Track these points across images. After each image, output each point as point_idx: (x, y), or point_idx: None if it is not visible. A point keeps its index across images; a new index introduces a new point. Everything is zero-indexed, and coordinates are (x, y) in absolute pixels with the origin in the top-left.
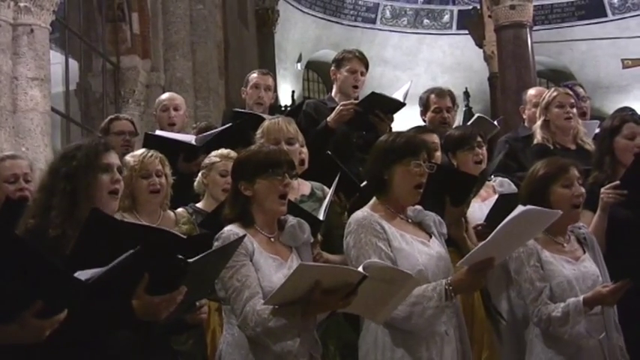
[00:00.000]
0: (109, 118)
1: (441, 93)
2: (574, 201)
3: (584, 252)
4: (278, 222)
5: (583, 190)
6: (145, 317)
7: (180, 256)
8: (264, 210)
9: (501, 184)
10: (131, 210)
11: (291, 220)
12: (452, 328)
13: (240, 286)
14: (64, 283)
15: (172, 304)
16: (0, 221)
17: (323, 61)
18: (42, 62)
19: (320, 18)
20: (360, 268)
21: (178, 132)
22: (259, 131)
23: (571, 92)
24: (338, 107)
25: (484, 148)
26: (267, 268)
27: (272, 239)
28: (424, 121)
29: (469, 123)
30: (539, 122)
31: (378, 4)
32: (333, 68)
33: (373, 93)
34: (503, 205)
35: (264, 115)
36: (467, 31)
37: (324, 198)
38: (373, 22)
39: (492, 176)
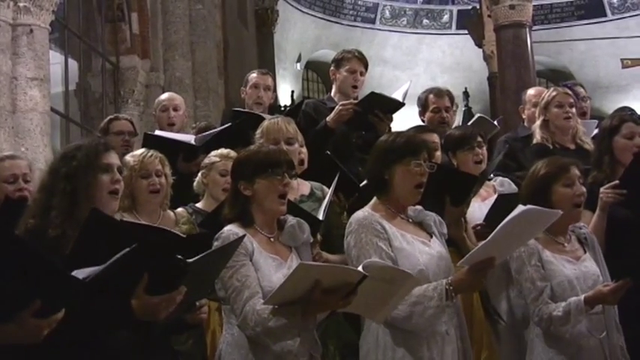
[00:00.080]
0: (108, 118)
1: (439, 93)
2: (575, 200)
3: (585, 252)
4: (278, 222)
5: (584, 189)
6: (145, 317)
7: (179, 256)
8: (263, 210)
9: (502, 184)
10: (131, 210)
11: (291, 220)
12: (452, 328)
13: (240, 285)
14: (62, 282)
15: (172, 304)
16: None
17: (322, 61)
18: (41, 62)
19: (319, 18)
20: (360, 268)
21: (178, 132)
22: (259, 131)
23: (570, 92)
24: (337, 107)
25: (484, 148)
26: (266, 267)
27: (272, 239)
28: (423, 121)
29: (470, 123)
30: (538, 122)
31: (378, 4)
32: (332, 68)
33: (372, 93)
34: (503, 205)
35: (264, 115)
36: (466, 31)
37: (324, 198)
38: (373, 22)
39: (493, 176)
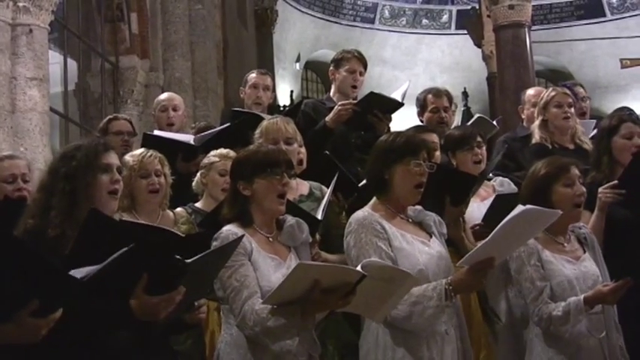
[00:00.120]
0: (107, 118)
1: (437, 93)
2: (575, 200)
3: (585, 252)
4: (277, 222)
5: (584, 189)
6: (144, 317)
7: (178, 256)
8: (262, 210)
9: (502, 184)
10: (130, 210)
11: (290, 219)
12: (452, 328)
13: (239, 285)
14: (59, 282)
15: (171, 304)
16: None
17: (322, 61)
18: (41, 62)
19: (319, 18)
20: (359, 268)
21: (177, 132)
22: (258, 131)
23: (569, 92)
24: (336, 107)
25: (483, 148)
26: (265, 267)
27: (270, 239)
28: (421, 121)
29: (469, 123)
30: (537, 122)
31: (377, 4)
32: (331, 68)
33: (372, 93)
34: (500, 205)
35: (263, 115)
36: (465, 31)
37: (323, 198)
38: (372, 22)
39: (492, 176)
